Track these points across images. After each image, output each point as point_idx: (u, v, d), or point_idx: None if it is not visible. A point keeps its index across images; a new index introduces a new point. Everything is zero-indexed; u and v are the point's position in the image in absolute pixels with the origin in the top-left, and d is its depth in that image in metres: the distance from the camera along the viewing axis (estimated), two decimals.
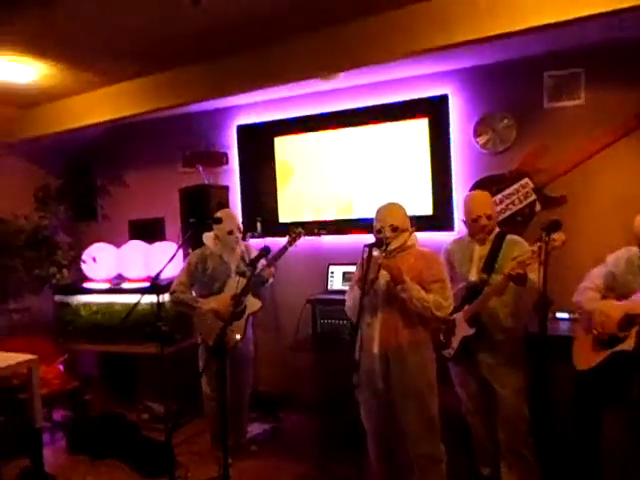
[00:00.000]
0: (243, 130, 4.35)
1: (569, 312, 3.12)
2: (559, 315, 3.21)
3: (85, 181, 4.98)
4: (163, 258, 4.12)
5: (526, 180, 3.46)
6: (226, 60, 3.55)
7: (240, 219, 4.33)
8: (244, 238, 4.28)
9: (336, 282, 3.91)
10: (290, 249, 3.40)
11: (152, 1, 2.69)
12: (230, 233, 3.28)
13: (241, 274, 3.34)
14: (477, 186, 3.50)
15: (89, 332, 4.25)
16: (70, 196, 4.81)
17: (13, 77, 3.56)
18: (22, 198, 4.62)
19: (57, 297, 4.42)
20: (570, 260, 2.92)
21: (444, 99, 3.63)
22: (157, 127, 4.63)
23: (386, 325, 2.39)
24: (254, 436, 3.69)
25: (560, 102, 3.35)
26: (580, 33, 2.97)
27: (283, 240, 3.43)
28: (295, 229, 3.27)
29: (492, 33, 2.74)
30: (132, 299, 4.11)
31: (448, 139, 3.64)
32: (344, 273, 3.89)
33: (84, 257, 4.38)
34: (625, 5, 2.43)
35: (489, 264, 2.71)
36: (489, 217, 2.74)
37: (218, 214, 3.33)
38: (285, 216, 4.27)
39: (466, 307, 2.66)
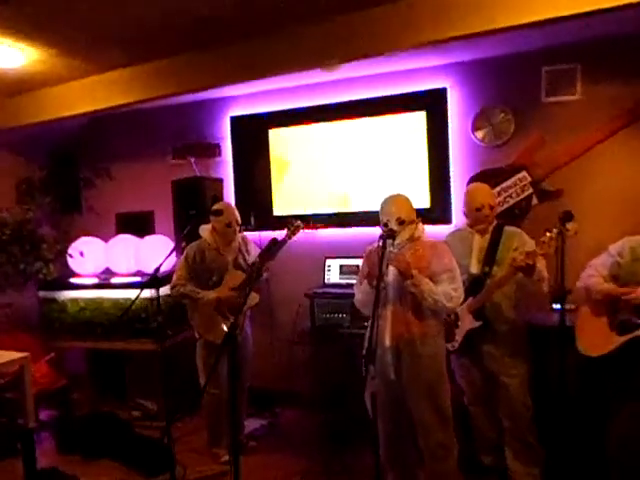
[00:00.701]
0: (237, 121, 4.28)
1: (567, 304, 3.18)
2: (556, 306, 3.27)
3: (69, 173, 4.81)
4: (154, 252, 4.10)
5: (523, 173, 3.50)
6: (222, 49, 3.45)
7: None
8: (239, 230, 4.24)
9: (333, 275, 3.89)
10: (288, 243, 3.36)
11: None
12: (229, 226, 3.23)
13: (239, 268, 3.30)
14: (475, 179, 3.52)
15: (76, 329, 4.13)
16: (54, 188, 4.64)
17: (1, 62, 3.40)
18: (3, 191, 4.44)
19: (42, 293, 4.27)
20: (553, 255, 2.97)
21: (442, 92, 3.64)
22: (146, 117, 4.51)
23: (397, 318, 2.39)
24: (251, 432, 3.65)
25: (557, 97, 3.40)
26: (577, 29, 3.02)
27: (278, 234, 3.36)
28: (294, 222, 3.23)
29: (494, 27, 2.74)
30: (122, 294, 4.04)
31: (446, 132, 3.66)
32: (341, 266, 3.87)
33: (71, 251, 4.25)
34: (621, 2, 2.47)
35: (490, 256, 2.73)
36: (491, 207, 2.77)
37: (217, 206, 3.26)
38: (280, 209, 4.22)
39: (470, 300, 2.68)
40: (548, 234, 2.27)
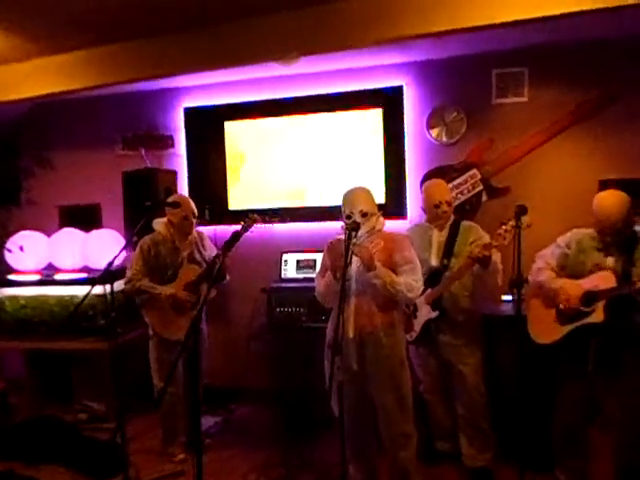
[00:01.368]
0: (191, 113, 4.18)
1: (513, 294, 3.34)
2: (505, 297, 3.43)
3: (8, 162, 4.50)
4: (102, 247, 3.92)
5: (474, 171, 3.65)
6: (177, 37, 3.36)
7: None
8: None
9: (290, 270, 3.88)
10: (243, 237, 3.30)
11: None
12: (186, 219, 3.15)
13: (195, 262, 3.22)
14: (429, 176, 3.63)
15: (16, 328, 3.89)
16: None
17: None
18: None
19: None
20: (510, 247, 3.11)
21: (399, 90, 3.72)
22: (94, 105, 4.30)
23: (360, 309, 2.41)
24: (206, 429, 3.57)
25: (506, 98, 3.57)
26: (525, 34, 3.18)
27: (233, 229, 3.30)
28: (250, 215, 3.18)
29: (452, 27, 2.84)
30: (67, 291, 3.84)
31: (402, 130, 3.74)
32: (298, 261, 3.87)
33: (9, 246, 3.97)
34: (567, 10, 2.63)
35: (448, 249, 2.84)
36: (449, 204, 2.87)
37: (174, 198, 3.17)
38: (235, 204, 4.16)
39: (428, 291, 2.76)
40: (503, 227, 2.38)
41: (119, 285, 3.21)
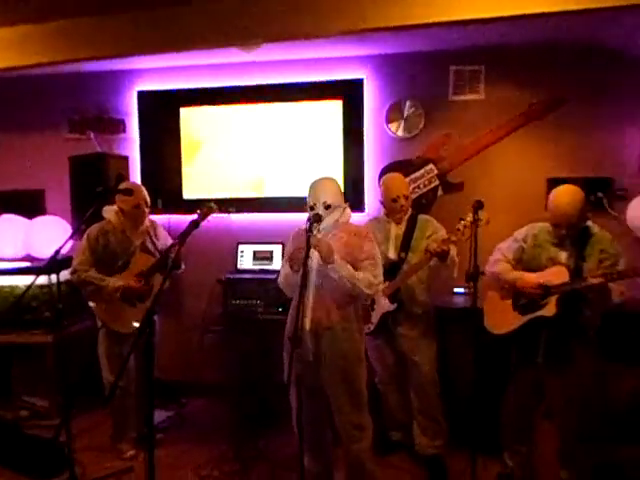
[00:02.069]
0: (144, 96, 4.01)
1: (465, 287, 3.45)
2: (456, 290, 3.53)
3: None
4: (46, 235, 3.72)
5: (431, 166, 3.71)
6: (132, 15, 3.18)
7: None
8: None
9: (246, 261, 3.82)
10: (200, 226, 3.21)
11: None
12: (137, 207, 3.03)
13: (147, 252, 3.11)
14: (387, 170, 3.66)
15: None
16: None
17: None
18: None
19: None
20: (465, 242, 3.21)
21: (359, 83, 3.72)
22: (38, 85, 4.06)
23: (318, 303, 2.39)
24: (158, 424, 3.48)
25: (463, 95, 3.65)
26: (483, 33, 3.26)
27: (187, 218, 3.19)
28: (207, 203, 3.08)
29: (416, 22, 2.86)
30: (7, 281, 3.61)
31: (361, 122, 3.75)
32: (254, 252, 3.82)
33: None
34: (527, 11, 2.71)
35: (405, 243, 2.88)
36: (406, 198, 2.91)
37: (126, 185, 3.04)
38: (190, 192, 4.04)
39: (386, 284, 2.79)
40: (462, 222, 2.43)
41: (65, 275, 3.05)
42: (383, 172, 3.65)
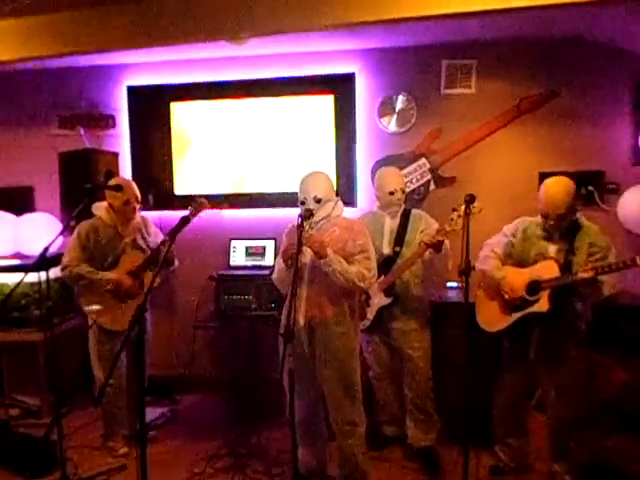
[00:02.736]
0: (134, 92, 3.96)
1: (458, 281, 3.45)
2: (449, 284, 3.53)
3: None
4: (36, 232, 3.67)
5: (423, 161, 3.71)
6: (119, 8, 3.14)
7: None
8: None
9: (238, 257, 3.80)
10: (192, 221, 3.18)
11: None
12: (127, 203, 2.99)
13: (138, 249, 3.08)
14: (379, 164, 3.65)
15: None
16: None
17: None
18: None
19: None
20: (455, 234, 3.19)
21: (351, 77, 3.70)
22: (27, 80, 4.02)
23: (311, 298, 2.39)
24: (150, 421, 3.45)
25: (455, 89, 3.64)
26: (475, 28, 3.25)
27: (179, 214, 3.15)
28: (197, 199, 3.05)
29: (405, 15, 2.84)
30: None
31: (353, 117, 3.74)
32: (247, 248, 3.80)
33: None
34: (517, 4, 2.70)
35: (399, 237, 2.87)
36: (403, 191, 2.91)
37: (116, 181, 3.01)
38: (182, 188, 4.01)
39: (381, 278, 2.78)
40: (456, 212, 2.42)
41: (55, 272, 3.02)
42: (375, 167, 3.63)
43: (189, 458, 3.02)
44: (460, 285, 3.43)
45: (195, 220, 3.04)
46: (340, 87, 3.75)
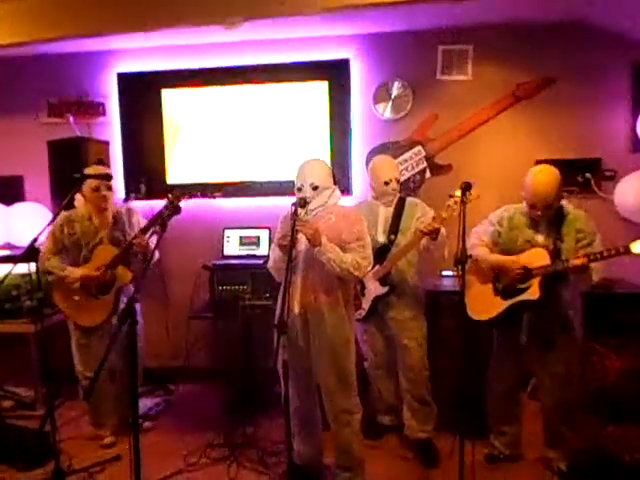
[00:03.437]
0: (125, 79, 3.88)
1: (453, 270, 3.43)
2: (444, 273, 3.52)
3: None
4: (27, 222, 3.62)
5: (419, 148, 3.67)
6: None
7: (122, 179, 3.93)
8: (127, 199, 3.90)
9: (232, 247, 3.76)
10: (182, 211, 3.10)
11: None
12: (95, 190, 2.87)
13: (116, 242, 2.95)
14: (374, 152, 3.60)
15: None
16: None
17: None
18: None
19: None
20: (452, 223, 3.17)
21: (345, 63, 3.64)
22: (13, 67, 3.92)
23: (306, 286, 2.36)
24: (145, 412, 3.44)
25: (451, 75, 3.59)
26: (470, 12, 3.20)
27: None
28: (174, 192, 2.69)
29: None
30: None
31: (348, 104, 3.68)
32: (241, 237, 3.76)
33: None
34: None
35: (394, 225, 2.84)
36: (398, 181, 2.86)
37: (86, 171, 2.93)
38: (174, 177, 3.96)
39: (376, 267, 2.75)
40: (452, 199, 2.39)
41: None
42: (370, 154, 3.59)
43: (184, 448, 3.00)
44: (456, 274, 3.42)
45: (188, 209, 3.00)
46: (335, 73, 3.69)
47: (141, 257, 2.93)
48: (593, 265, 2.26)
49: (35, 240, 2.48)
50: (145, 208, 3.75)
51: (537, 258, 2.38)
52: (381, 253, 2.78)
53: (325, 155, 3.75)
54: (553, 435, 2.59)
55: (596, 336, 2.90)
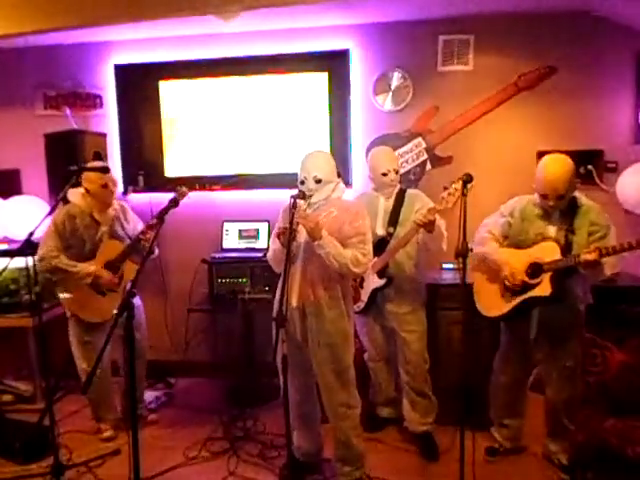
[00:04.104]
0: (122, 70, 3.83)
1: (453, 263, 3.41)
2: (445, 265, 3.49)
3: None
4: (24, 216, 3.59)
5: (419, 140, 3.63)
6: None
7: (120, 171, 3.91)
8: (125, 193, 3.87)
9: (231, 240, 3.74)
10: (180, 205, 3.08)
11: None
12: (105, 187, 2.88)
13: (116, 237, 2.97)
14: (374, 144, 3.57)
15: None
16: None
17: None
18: None
19: None
20: (454, 215, 3.14)
21: (345, 54, 3.59)
22: (8, 58, 3.86)
23: (304, 279, 2.34)
24: (145, 405, 3.43)
25: (452, 66, 3.54)
26: (472, 1, 3.15)
27: (169, 196, 3.02)
28: (179, 187, 2.83)
29: None
30: None
31: (348, 95, 3.64)
32: (240, 230, 3.74)
33: None
34: None
35: (393, 217, 2.81)
36: (396, 172, 2.83)
37: (90, 165, 2.90)
38: (173, 170, 3.92)
39: (375, 259, 2.73)
40: (447, 191, 2.35)
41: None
42: (370, 146, 3.56)
43: (184, 442, 3.00)
44: (456, 266, 3.40)
45: (186, 203, 2.98)
46: (334, 64, 3.64)
47: (144, 252, 2.91)
48: (607, 259, 2.20)
49: (32, 234, 2.46)
50: (144, 201, 3.74)
51: (548, 252, 2.33)
52: (380, 245, 2.75)
53: (325, 147, 3.70)
54: (557, 429, 2.57)
55: (598, 329, 2.88)
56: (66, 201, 2.89)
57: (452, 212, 2.38)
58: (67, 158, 3.36)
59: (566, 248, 2.31)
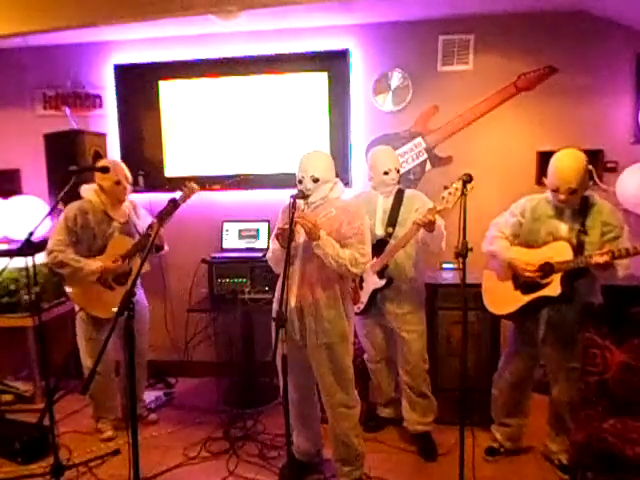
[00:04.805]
0: (122, 70, 3.83)
1: (453, 263, 3.40)
2: (445, 265, 3.49)
3: None
4: (24, 215, 3.60)
5: (419, 140, 3.63)
6: None
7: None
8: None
9: (231, 240, 3.74)
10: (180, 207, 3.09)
11: None
12: (118, 184, 2.91)
13: (128, 233, 3.00)
14: (374, 144, 3.57)
15: None
16: None
17: None
18: None
19: None
20: (453, 215, 3.14)
21: (345, 54, 3.59)
22: (8, 59, 3.86)
23: (303, 279, 2.34)
24: (146, 405, 3.44)
25: (452, 66, 3.54)
26: (472, 1, 3.15)
27: (169, 196, 3.02)
28: (187, 183, 2.95)
29: None
30: None
31: (347, 95, 3.63)
32: (240, 230, 3.74)
33: None
34: None
35: (392, 217, 2.80)
36: (397, 171, 2.83)
37: (103, 163, 2.92)
38: (173, 170, 3.92)
39: (374, 260, 2.73)
40: (447, 191, 2.35)
41: (42, 257, 2.95)
42: (370, 146, 3.56)
43: (184, 442, 3.00)
44: (456, 266, 3.39)
45: (184, 204, 2.99)
46: (334, 64, 3.63)
47: (154, 249, 2.94)
48: (619, 261, 2.18)
49: (32, 234, 2.46)
50: (144, 200, 3.73)
51: (559, 252, 2.31)
52: (379, 245, 2.75)
53: (324, 147, 3.71)
54: (561, 429, 2.57)
55: (597, 329, 2.87)
56: (68, 200, 2.89)
57: (446, 212, 2.38)
58: (67, 158, 3.38)
59: (578, 248, 2.28)
